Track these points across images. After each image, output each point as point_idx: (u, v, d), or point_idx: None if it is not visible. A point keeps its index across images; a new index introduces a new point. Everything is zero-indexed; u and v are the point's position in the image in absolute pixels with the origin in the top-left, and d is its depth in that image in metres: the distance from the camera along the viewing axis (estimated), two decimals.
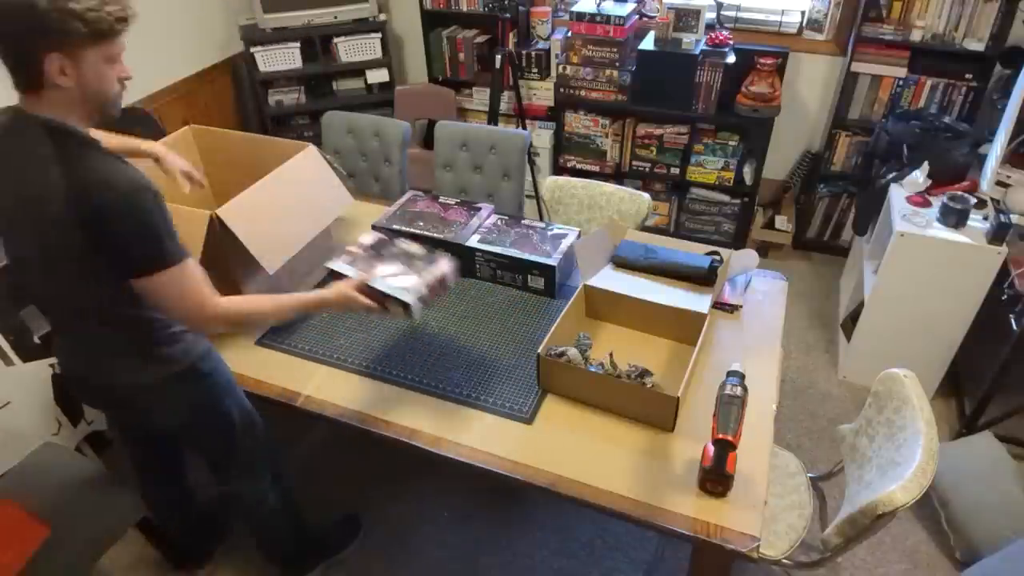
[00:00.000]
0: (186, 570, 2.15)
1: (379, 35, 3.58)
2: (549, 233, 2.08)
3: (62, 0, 1.12)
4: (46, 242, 1.28)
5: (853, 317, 2.75)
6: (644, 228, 2.39)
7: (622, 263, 2.03)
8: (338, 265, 1.66)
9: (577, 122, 3.45)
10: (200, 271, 1.36)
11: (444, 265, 1.66)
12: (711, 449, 1.39)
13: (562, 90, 3.35)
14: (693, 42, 3.01)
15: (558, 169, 3.62)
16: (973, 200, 2.34)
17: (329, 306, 1.58)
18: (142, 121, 2.99)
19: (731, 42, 3.08)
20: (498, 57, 3.31)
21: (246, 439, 1.72)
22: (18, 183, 1.25)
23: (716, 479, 1.41)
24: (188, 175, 1.84)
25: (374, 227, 2.14)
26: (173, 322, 1.47)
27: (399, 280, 1.59)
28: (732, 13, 3.28)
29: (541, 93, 3.61)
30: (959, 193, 2.37)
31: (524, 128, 3.58)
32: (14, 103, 1.25)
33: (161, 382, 1.49)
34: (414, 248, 1.73)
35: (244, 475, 1.80)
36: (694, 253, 2.04)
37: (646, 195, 2.40)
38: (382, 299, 1.56)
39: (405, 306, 1.55)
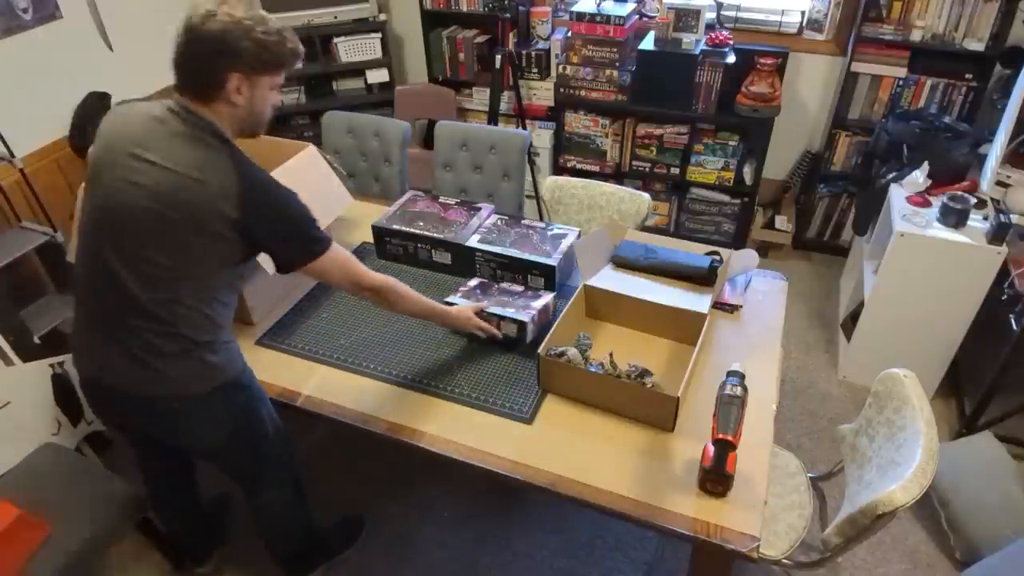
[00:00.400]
0: (187, 569, 2.15)
1: (379, 35, 3.58)
2: (549, 233, 2.08)
3: (255, 31, 1.30)
4: (186, 226, 1.32)
5: (853, 317, 2.75)
6: (644, 228, 2.39)
7: (622, 263, 2.03)
8: (455, 299, 1.87)
9: (577, 122, 3.45)
10: (348, 254, 1.56)
11: (546, 297, 1.89)
12: (711, 449, 1.39)
13: (562, 90, 3.35)
14: (693, 42, 3.01)
15: (558, 169, 3.62)
16: (973, 200, 2.34)
17: (448, 321, 1.75)
18: None
19: (731, 42, 3.08)
20: (498, 57, 3.32)
21: (275, 449, 1.71)
22: (181, 160, 1.31)
23: (716, 479, 1.41)
24: None
25: (374, 227, 2.14)
26: (227, 329, 1.49)
27: (508, 310, 1.83)
28: (732, 13, 3.28)
29: (541, 93, 3.61)
30: (959, 193, 2.37)
31: (524, 128, 3.58)
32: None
33: (208, 393, 1.47)
34: (515, 287, 1.96)
35: (273, 485, 1.78)
36: (694, 253, 2.04)
37: (646, 195, 2.40)
38: (497, 322, 1.80)
39: (520, 325, 1.78)
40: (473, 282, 1.97)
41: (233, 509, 2.28)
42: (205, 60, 1.30)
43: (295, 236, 1.44)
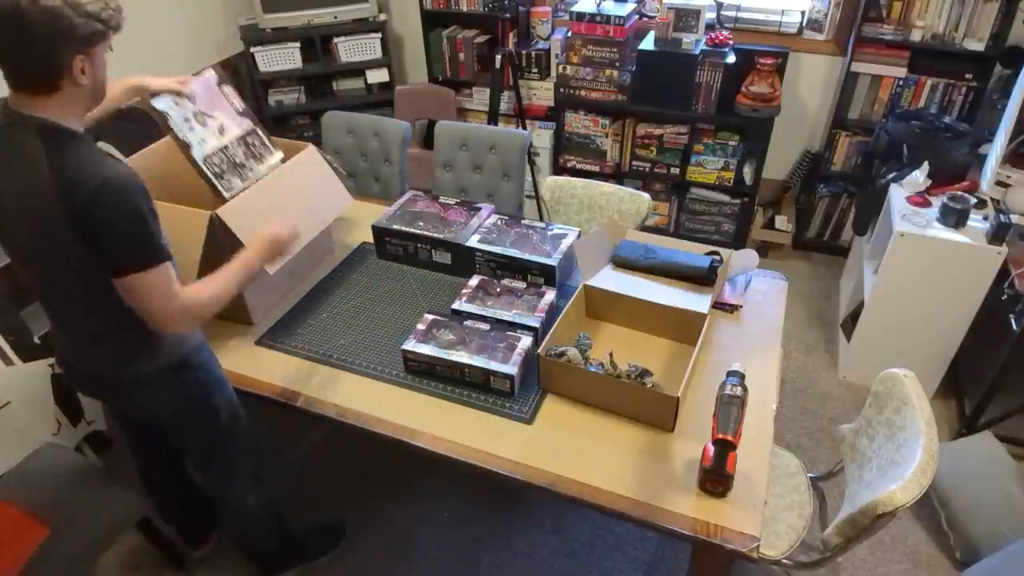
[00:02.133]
0: (184, 555, 2.16)
1: (379, 35, 3.58)
2: (549, 233, 2.08)
3: (82, 6, 1.19)
4: (37, 237, 1.31)
5: (853, 317, 2.75)
6: (644, 228, 2.39)
7: (622, 263, 2.03)
8: (459, 304, 1.86)
9: (577, 122, 3.45)
10: (174, 274, 1.36)
11: (549, 295, 1.89)
12: (711, 449, 1.39)
13: (562, 90, 3.35)
14: (693, 42, 3.01)
15: (558, 169, 3.62)
16: (973, 200, 2.34)
17: (267, 258, 1.59)
18: (141, 121, 2.99)
19: (731, 42, 3.08)
20: (498, 57, 3.32)
21: (230, 437, 1.72)
22: (9, 180, 1.27)
23: (716, 479, 1.41)
24: (179, 87, 1.89)
25: (374, 227, 2.14)
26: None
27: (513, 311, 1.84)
28: (732, 13, 3.28)
29: (541, 93, 3.61)
30: (959, 193, 2.37)
31: (524, 128, 3.58)
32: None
33: (151, 374, 1.50)
34: (517, 285, 1.94)
35: (224, 473, 1.80)
36: (694, 253, 2.04)
37: (646, 195, 2.40)
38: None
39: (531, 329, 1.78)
40: (474, 281, 1.97)
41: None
42: (44, 50, 1.18)
43: (122, 239, 1.28)
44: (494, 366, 1.66)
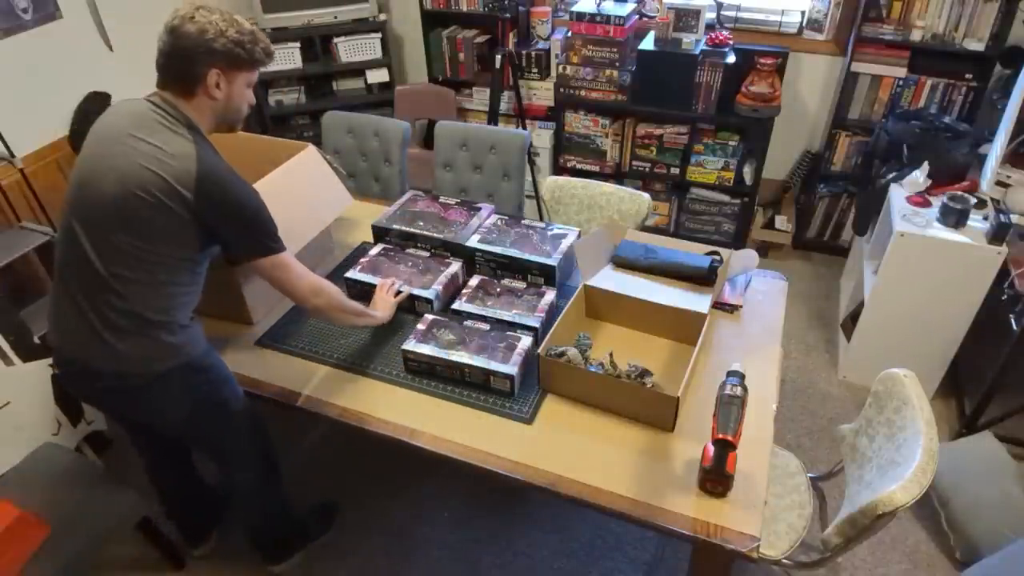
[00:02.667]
0: (183, 553, 2.17)
1: (379, 35, 3.58)
2: (549, 233, 2.08)
3: (229, 32, 1.43)
4: (132, 210, 1.39)
5: (853, 317, 2.75)
6: (644, 228, 2.39)
7: (622, 263, 2.03)
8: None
9: (577, 122, 3.45)
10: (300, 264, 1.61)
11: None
12: (711, 449, 1.39)
13: (562, 90, 3.35)
14: (693, 42, 3.01)
15: (558, 169, 3.62)
16: (973, 200, 2.34)
17: (379, 321, 1.83)
18: None
19: (731, 42, 3.08)
20: (498, 57, 3.32)
21: (240, 430, 1.75)
22: (151, 147, 1.40)
23: (716, 479, 1.41)
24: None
25: (374, 227, 2.14)
26: (184, 313, 1.54)
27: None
28: (732, 13, 3.28)
29: (541, 93, 3.61)
30: (959, 193, 2.37)
31: (524, 128, 3.58)
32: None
33: (164, 372, 1.52)
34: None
35: (240, 465, 1.83)
36: (694, 253, 2.04)
37: (646, 195, 2.40)
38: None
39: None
40: (474, 281, 1.97)
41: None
42: (187, 57, 1.41)
43: (247, 229, 1.51)
44: (494, 366, 1.66)
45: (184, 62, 1.42)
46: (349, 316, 1.73)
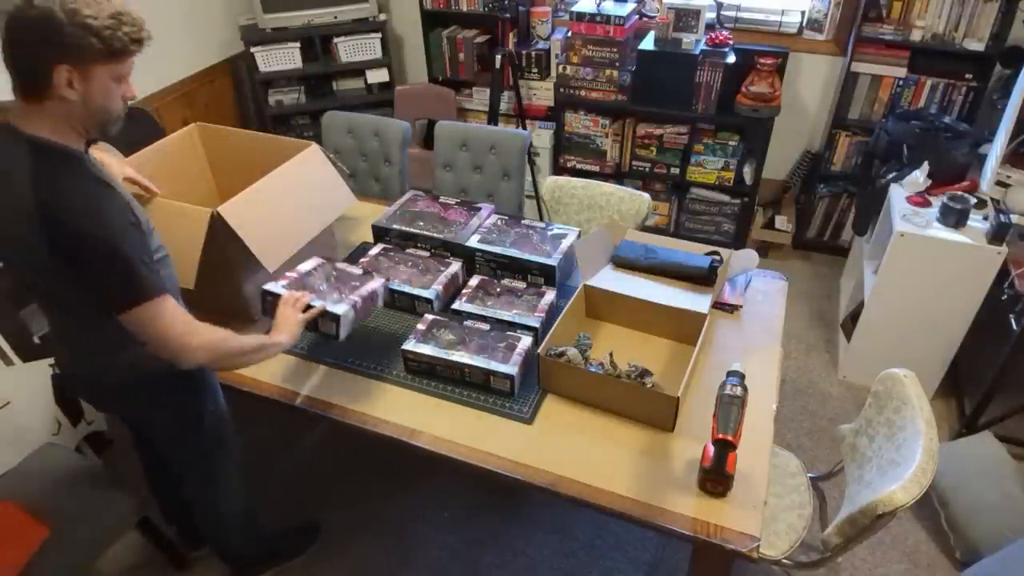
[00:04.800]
0: (184, 558, 2.16)
1: (379, 35, 3.58)
2: (549, 233, 2.08)
3: (80, 15, 1.14)
4: (21, 257, 1.31)
5: (853, 317, 2.75)
6: (644, 228, 2.39)
7: (622, 263, 2.03)
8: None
9: (577, 122, 3.45)
10: (179, 306, 1.34)
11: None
12: (711, 449, 1.39)
13: (562, 90, 3.35)
14: (693, 42, 3.01)
15: (558, 169, 3.62)
16: (973, 200, 2.34)
17: (284, 345, 1.55)
18: (142, 120, 2.99)
19: (731, 42, 3.08)
20: (498, 57, 3.31)
21: (214, 446, 1.72)
22: (4, 200, 1.23)
23: (716, 479, 1.41)
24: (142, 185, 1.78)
25: (374, 227, 2.14)
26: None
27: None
28: (732, 13, 3.28)
29: (541, 93, 3.61)
30: (959, 193, 2.37)
31: (524, 128, 3.58)
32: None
33: (147, 380, 1.49)
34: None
35: (204, 480, 1.80)
36: (694, 253, 2.04)
37: (646, 195, 2.40)
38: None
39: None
40: (474, 281, 1.97)
41: None
42: (29, 53, 1.16)
43: (104, 272, 1.24)
44: (494, 366, 1.66)
45: (27, 59, 1.17)
46: (244, 356, 1.46)
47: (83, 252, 1.22)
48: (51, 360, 2.25)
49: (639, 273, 2.00)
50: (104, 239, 1.22)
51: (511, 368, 1.66)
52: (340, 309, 1.63)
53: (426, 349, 1.72)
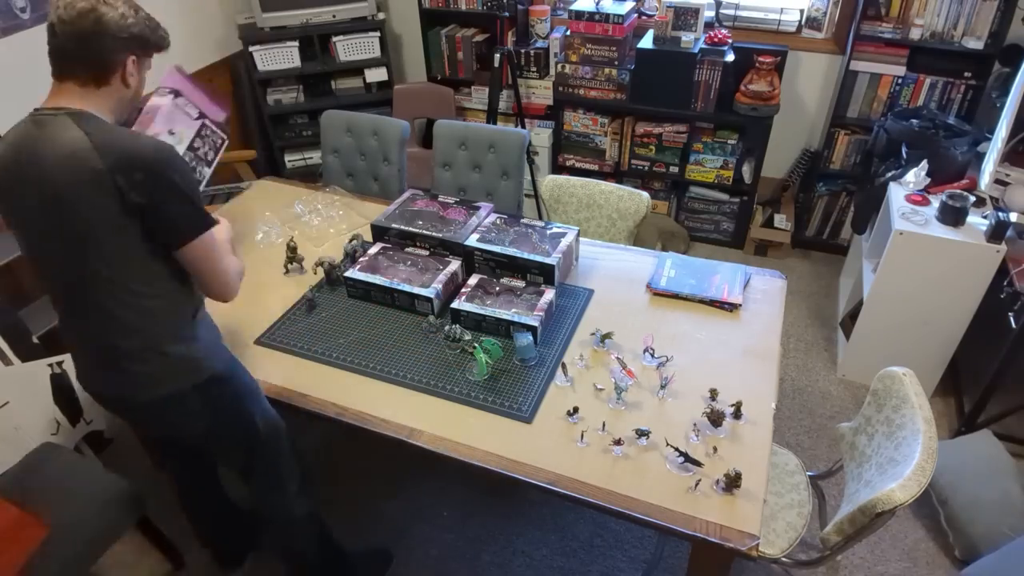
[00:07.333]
0: (226, 569, 2.12)
1: (378, 34, 3.58)
2: (548, 232, 2.08)
3: (142, 10, 1.37)
4: (73, 231, 1.30)
5: (852, 315, 2.75)
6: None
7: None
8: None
9: (576, 121, 3.45)
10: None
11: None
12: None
13: (561, 89, 3.35)
14: (692, 41, 3.01)
15: (557, 168, 3.62)
16: (972, 198, 2.34)
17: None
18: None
19: (730, 40, 3.08)
20: (497, 56, 3.31)
21: (270, 446, 1.69)
22: (49, 166, 1.28)
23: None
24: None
25: (373, 226, 2.14)
26: (181, 323, 1.45)
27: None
28: (731, 12, 3.28)
29: (540, 92, 3.61)
30: (958, 191, 2.37)
31: (523, 127, 3.57)
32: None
33: (181, 393, 1.46)
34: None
35: (268, 486, 1.76)
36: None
37: (645, 194, 2.40)
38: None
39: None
40: (473, 280, 1.97)
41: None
42: (107, 43, 1.30)
43: (181, 203, 1.34)
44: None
45: (99, 49, 1.30)
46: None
47: (159, 188, 1.30)
48: (50, 360, 2.25)
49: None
50: (178, 169, 1.33)
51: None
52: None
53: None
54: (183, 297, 1.46)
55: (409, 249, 2.08)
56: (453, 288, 1.98)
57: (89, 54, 1.31)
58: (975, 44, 2.77)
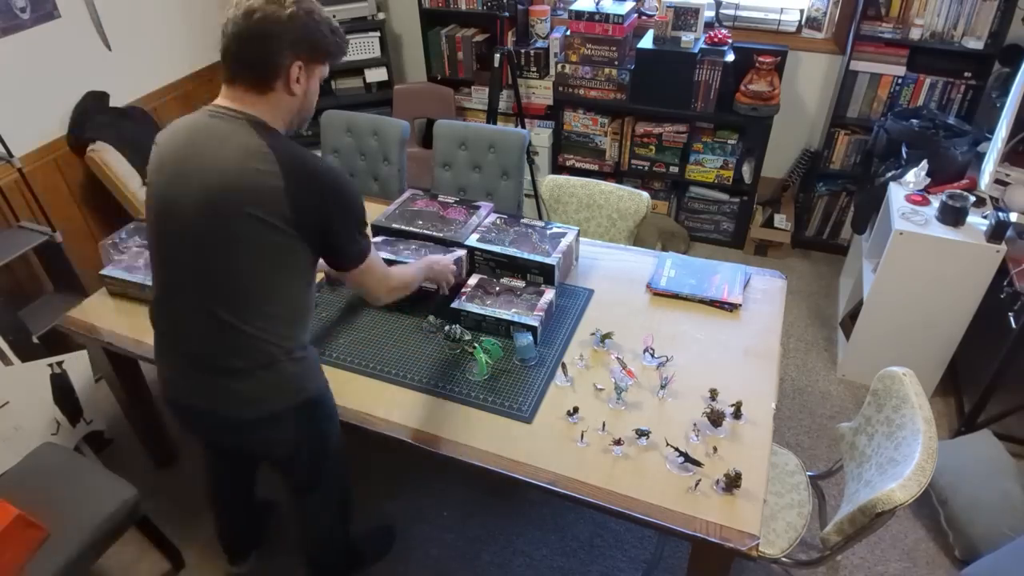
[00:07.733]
0: (234, 561, 2.12)
1: (378, 34, 3.58)
2: (548, 232, 2.08)
3: (317, 12, 1.28)
4: (242, 219, 1.25)
5: (852, 315, 2.75)
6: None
7: None
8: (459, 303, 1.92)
9: (576, 121, 3.45)
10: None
11: (548, 293, 1.92)
12: None
13: (561, 89, 3.35)
14: (692, 41, 3.01)
15: (557, 168, 3.62)
16: (972, 198, 2.34)
17: (431, 274, 1.77)
18: (140, 120, 2.99)
19: (730, 40, 3.08)
20: (497, 56, 3.31)
21: (335, 467, 1.69)
22: (225, 162, 1.25)
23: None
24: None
25: (373, 226, 2.14)
26: (298, 341, 1.43)
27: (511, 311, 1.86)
28: (731, 12, 3.28)
29: (540, 92, 3.61)
30: (958, 191, 2.37)
31: (523, 127, 3.57)
32: None
33: (282, 412, 1.44)
34: (516, 283, 1.99)
35: (323, 499, 1.76)
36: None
37: (645, 194, 2.40)
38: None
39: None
40: (473, 280, 1.97)
41: (278, 515, 2.24)
42: (270, 45, 1.25)
43: (349, 229, 1.36)
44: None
45: (265, 52, 1.25)
46: (407, 289, 1.63)
47: (335, 212, 1.31)
48: (50, 360, 2.25)
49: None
50: (351, 194, 1.34)
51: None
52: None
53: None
54: (304, 313, 1.44)
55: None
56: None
57: (251, 56, 1.26)
58: (975, 44, 2.77)
